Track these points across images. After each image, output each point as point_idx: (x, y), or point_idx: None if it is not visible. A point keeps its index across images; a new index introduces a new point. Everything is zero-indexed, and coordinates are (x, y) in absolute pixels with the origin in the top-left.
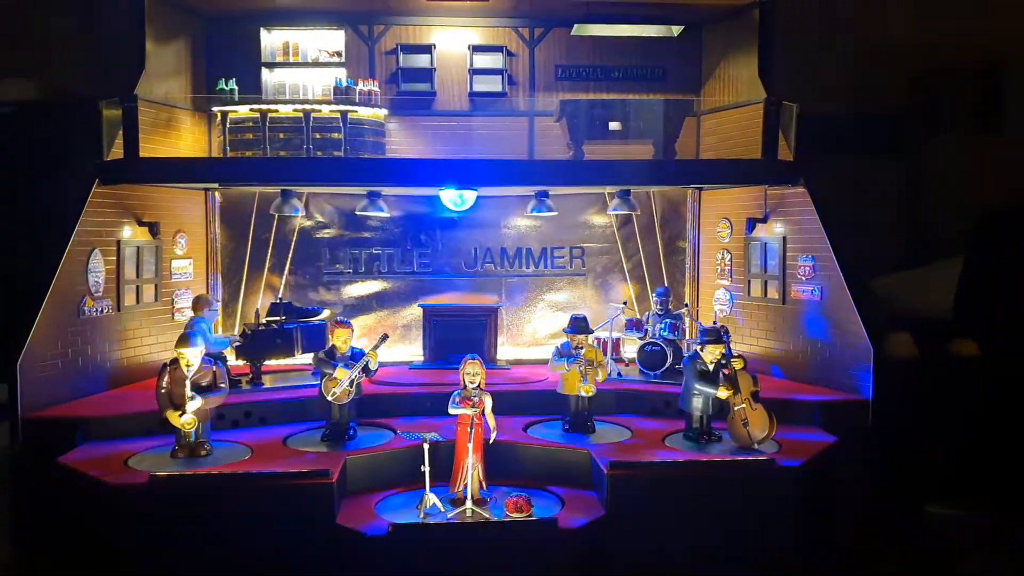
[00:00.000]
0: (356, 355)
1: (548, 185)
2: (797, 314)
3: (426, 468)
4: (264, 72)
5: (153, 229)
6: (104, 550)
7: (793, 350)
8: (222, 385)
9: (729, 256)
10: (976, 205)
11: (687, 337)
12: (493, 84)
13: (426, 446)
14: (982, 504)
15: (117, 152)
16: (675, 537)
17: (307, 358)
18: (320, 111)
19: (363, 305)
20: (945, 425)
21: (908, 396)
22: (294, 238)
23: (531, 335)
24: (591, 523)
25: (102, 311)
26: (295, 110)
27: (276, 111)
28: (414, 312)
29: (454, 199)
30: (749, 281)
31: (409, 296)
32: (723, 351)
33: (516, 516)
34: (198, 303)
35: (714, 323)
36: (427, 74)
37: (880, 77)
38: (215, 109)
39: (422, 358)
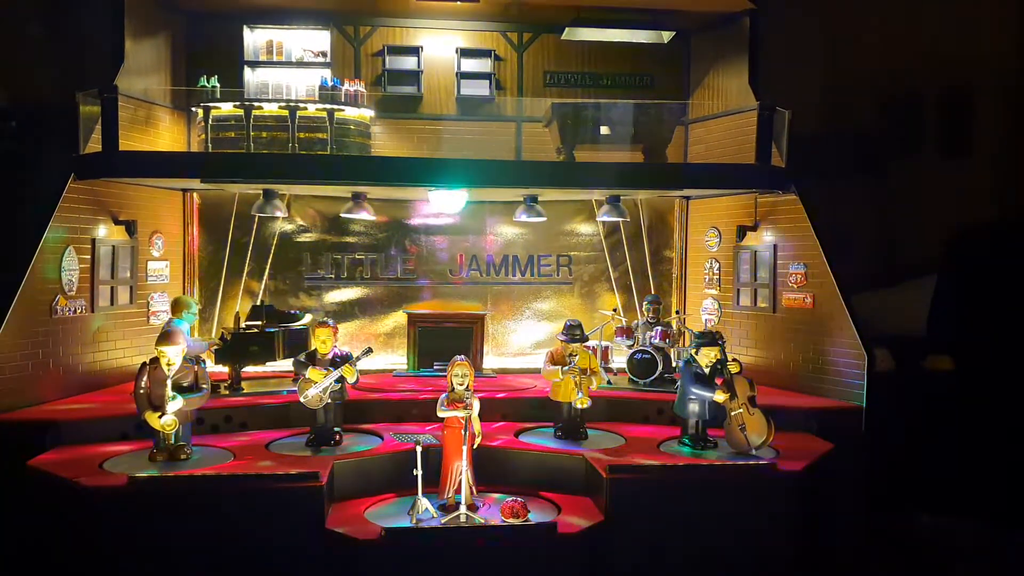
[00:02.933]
0: (339, 358)
1: (538, 187)
2: (788, 322)
3: (419, 472)
4: (247, 71)
5: (129, 228)
6: (78, 555)
7: (784, 359)
8: (204, 385)
9: (717, 265)
10: (960, 218)
11: (677, 345)
12: (481, 88)
13: (419, 449)
14: (973, 511)
15: (94, 148)
16: (675, 541)
17: (288, 364)
18: (306, 109)
19: (345, 312)
20: (938, 433)
21: (901, 404)
22: (274, 242)
23: (517, 344)
24: (590, 528)
25: (75, 311)
26: (280, 107)
27: (260, 108)
28: (398, 319)
29: (447, 201)
30: (738, 290)
31: (392, 303)
32: (718, 353)
33: (513, 521)
34: (177, 305)
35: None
36: (414, 76)
37: (858, 94)
38: (197, 106)
39: (406, 365)
